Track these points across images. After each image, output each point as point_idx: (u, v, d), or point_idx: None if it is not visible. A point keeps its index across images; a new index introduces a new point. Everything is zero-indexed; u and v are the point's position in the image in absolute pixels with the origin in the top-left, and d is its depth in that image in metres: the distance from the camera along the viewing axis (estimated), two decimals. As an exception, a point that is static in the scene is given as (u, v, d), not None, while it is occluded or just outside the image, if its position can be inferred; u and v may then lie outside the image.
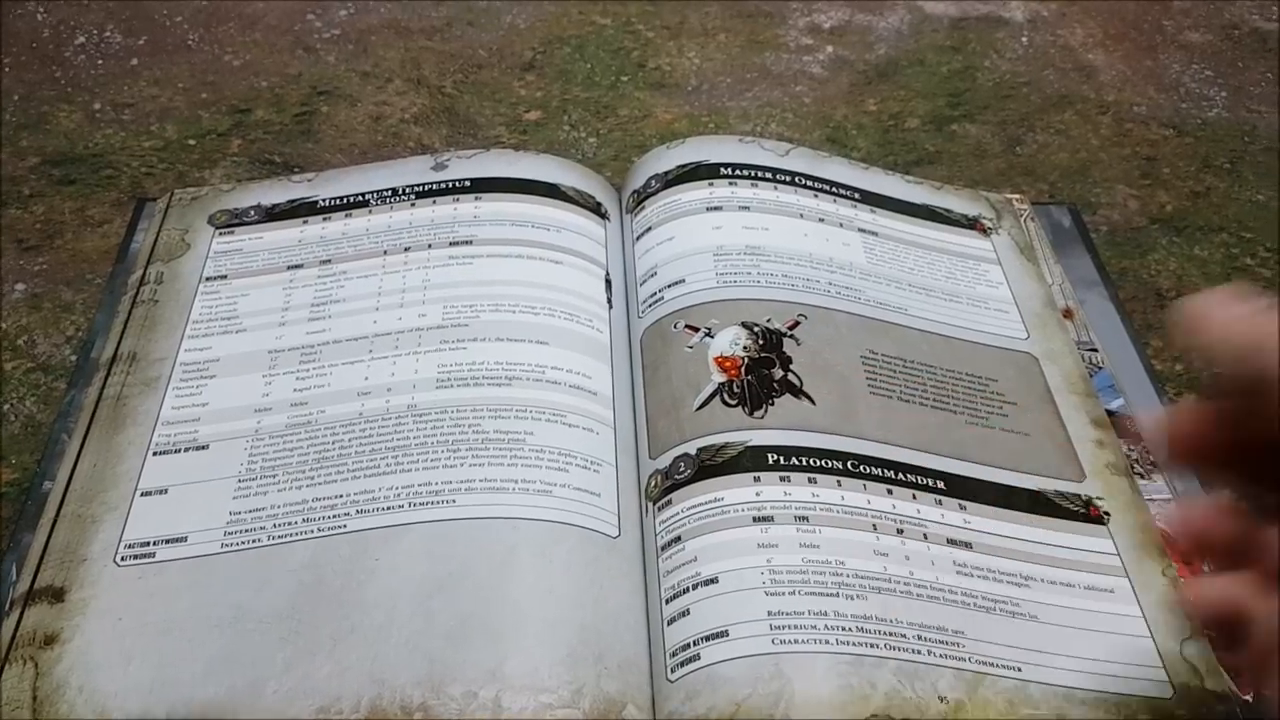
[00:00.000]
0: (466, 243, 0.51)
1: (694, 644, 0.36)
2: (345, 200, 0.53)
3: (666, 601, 0.38)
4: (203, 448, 0.43)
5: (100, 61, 0.66)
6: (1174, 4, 0.74)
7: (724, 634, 0.36)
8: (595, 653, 0.37)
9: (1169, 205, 0.59)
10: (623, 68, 0.67)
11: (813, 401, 0.43)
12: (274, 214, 0.53)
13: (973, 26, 0.71)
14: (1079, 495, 0.43)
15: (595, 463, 0.43)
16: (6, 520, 0.43)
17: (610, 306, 0.49)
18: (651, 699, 0.36)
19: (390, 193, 0.53)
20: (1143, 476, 0.45)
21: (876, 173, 0.56)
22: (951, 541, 0.40)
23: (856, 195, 0.54)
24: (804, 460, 0.41)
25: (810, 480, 0.40)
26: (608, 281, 0.50)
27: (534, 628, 0.37)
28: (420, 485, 0.41)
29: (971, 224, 0.55)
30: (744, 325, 0.46)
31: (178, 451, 0.43)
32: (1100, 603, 0.40)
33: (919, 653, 0.36)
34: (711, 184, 0.53)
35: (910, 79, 0.67)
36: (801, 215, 0.52)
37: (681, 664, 0.36)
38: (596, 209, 0.54)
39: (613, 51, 0.68)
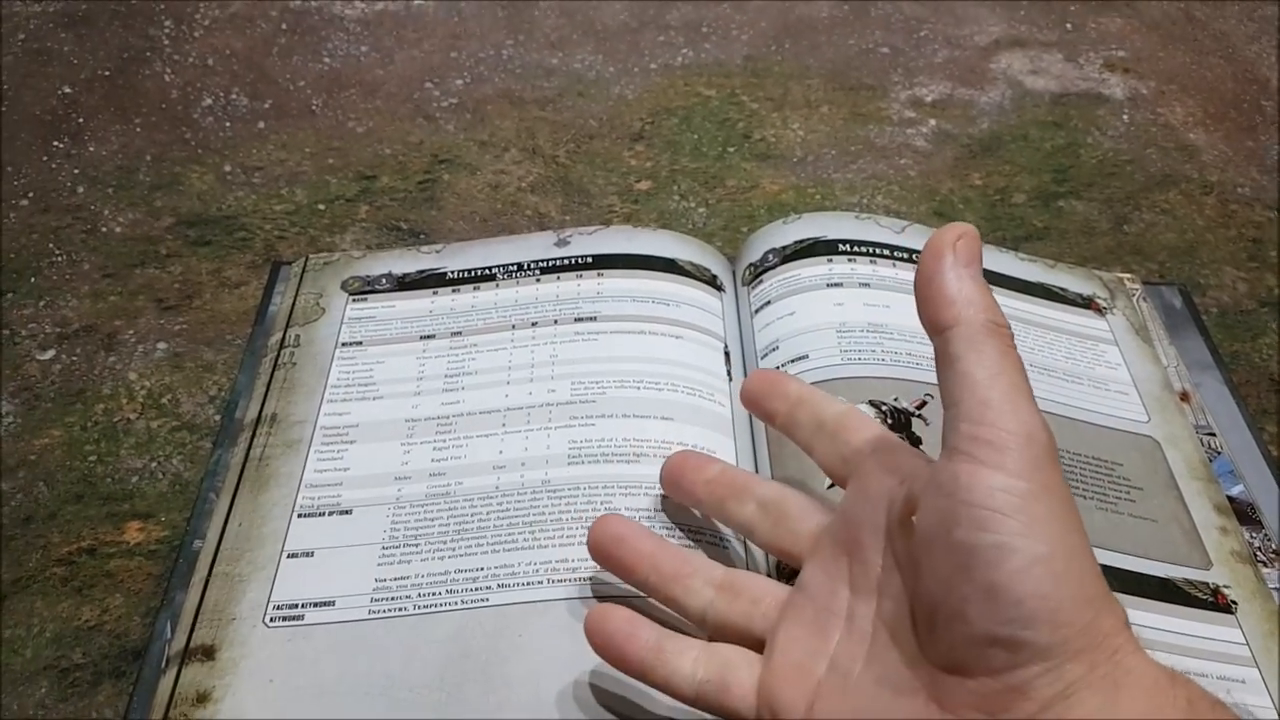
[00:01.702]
0: (591, 319, 0.52)
1: (840, 730, 0.37)
2: (473, 273, 0.55)
3: (807, 684, 0.39)
4: (346, 512, 0.45)
5: (228, 124, 0.69)
6: (1272, 84, 0.74)
7: None
8: (737, 733, 0.38)
9: (1277, 289, 0.59)
10: (729, 139, 0.68)
11: (944, 486, 0.44)
12: (405, 283, 0.55)
13: (1074, 103, 0.72)
14: (1206, 583, 0.43)
15: (724, 539, 0.44)
16: (159, 578, 0.44)
17: (730, 379, 0.51)
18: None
19: (516, 267, 0.55)
20: (1265, 564, 0.45)
21: (990, 250, 0.57)
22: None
23: (971, 274, 0.55)
24: (937, 545, 0.41)
25: (945, 566, 0.41)
26: (726, 354, 0.52)
27: (675, 704, 0.38)
28: (558, 561, 0.42)
29: (1087, 303, 0.55)
30: (871, 403, 0.47)
31: (322, 515, 0.45)
32: (1233, 693, 0.40)
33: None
34: (830, 260, 0.54)
35: (1014, 154, 0.68)
36: (919, 294, 0.53)
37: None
38: (712, 281, 0.55)
39: (719, 123, 0.70)
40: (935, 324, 0.32)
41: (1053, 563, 0.28)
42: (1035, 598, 0.28)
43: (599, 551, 0.39)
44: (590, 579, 0.41)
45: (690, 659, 0.35)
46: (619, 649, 0.36)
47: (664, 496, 0.44)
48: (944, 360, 0.32)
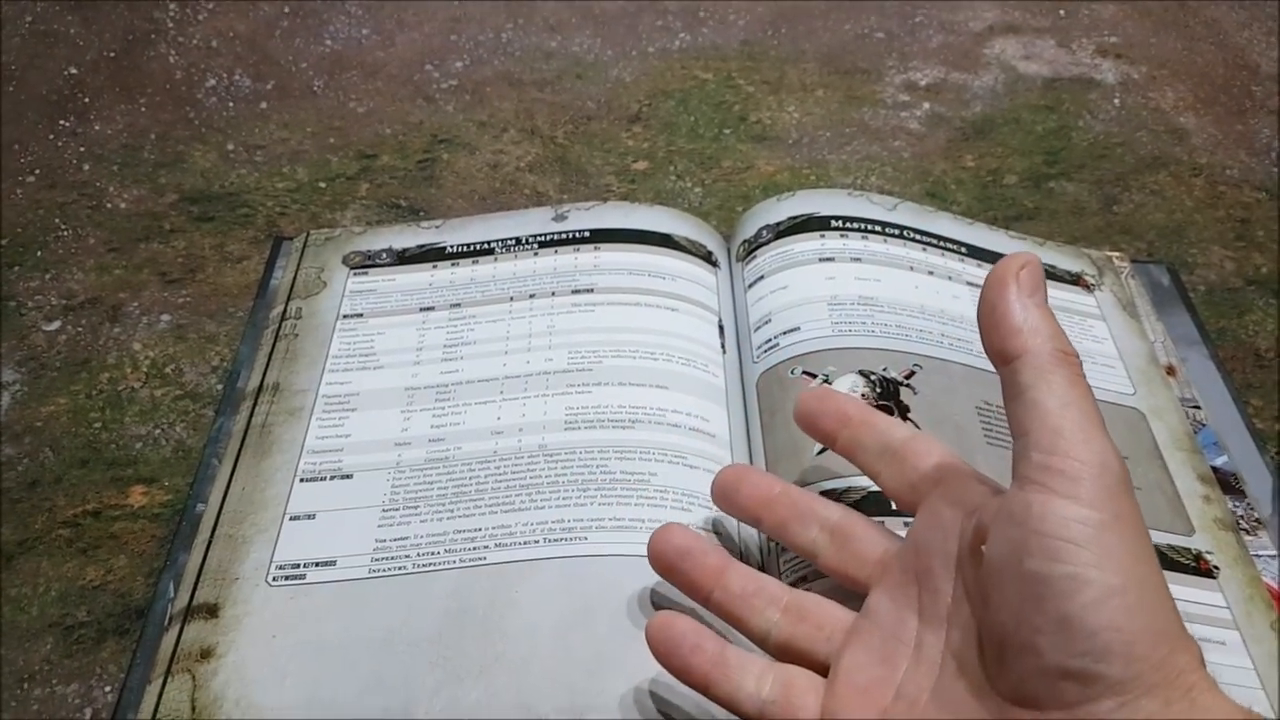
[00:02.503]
0: (588, 290, 0.53)
1: (827, 682, 0.38)
2: (472, 247, 0.56)
3: (796, 640, 0.39)
4: (347, 477, 0.46)
5: (231, 104, 0.69)
6: (1262, 70, 0.75)
7: (858, 673, 0.37)
8: (727, 687, 0.39)
9: (1264, 267, 0.60)
10: (725, 121, 0.69)
11: (931, 451, 0.45)
12: (405, 257, 0.56)
13: (1066, 87, 0.73)
14: (1189, 549, 0.44)
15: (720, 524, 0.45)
16: (162, 540, 0.45)
17: (724, 351, 0.51)
18: None
19: (514, 241, 0.56)
20: (1248, 533, 0.46)
21: (981, 228, 0.58)
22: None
23: (963, 250, 0.56)
24: (925, 508, 0.42)
25: (931, 528, 0.42)
26: (720, 327, 0.53)
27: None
28: (554, 522, 0.43)
29: (1075, 280, 0.56)
30: (861, 373, 0.48)
31: (323, 479, 0.46)
32: (1214, 655, 0.41)
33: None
34: (823, 235, 0.55)
35: (1006, 136, 0.69)
36: (911, 268, 0.54)
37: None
38: (707, 257, 0.56)
39: (715, 105, 0.71)
40: (1002, 354, 0.32)
41: (1127, 595, 0.28)
42: (1109, 630, 0.27)
43: (662, 562, 0.38)
44: (586, 539, 0.42)
45: (754, 676, 0.35)
46: (684, 659, 0.35)
47: (659, 461, 0.45)
48: (1012, 390, 0.31)
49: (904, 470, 0.37)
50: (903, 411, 0.46)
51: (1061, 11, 0.81)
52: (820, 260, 0.54)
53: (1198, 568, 0.44)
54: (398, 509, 0.44)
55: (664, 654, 0.36)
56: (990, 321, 0.32)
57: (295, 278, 0.55)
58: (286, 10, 0.78)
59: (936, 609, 0.33)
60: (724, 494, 0.40)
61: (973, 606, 0.32)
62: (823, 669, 0.35)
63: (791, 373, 0.49)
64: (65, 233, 0.60)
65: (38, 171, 0.64)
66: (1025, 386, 0.31)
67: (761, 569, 0.41)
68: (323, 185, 0.63)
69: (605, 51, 0.75)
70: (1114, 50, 0.77)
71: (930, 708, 0.32)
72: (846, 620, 0.36)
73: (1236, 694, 0.41)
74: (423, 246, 0.56)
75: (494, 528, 0.43)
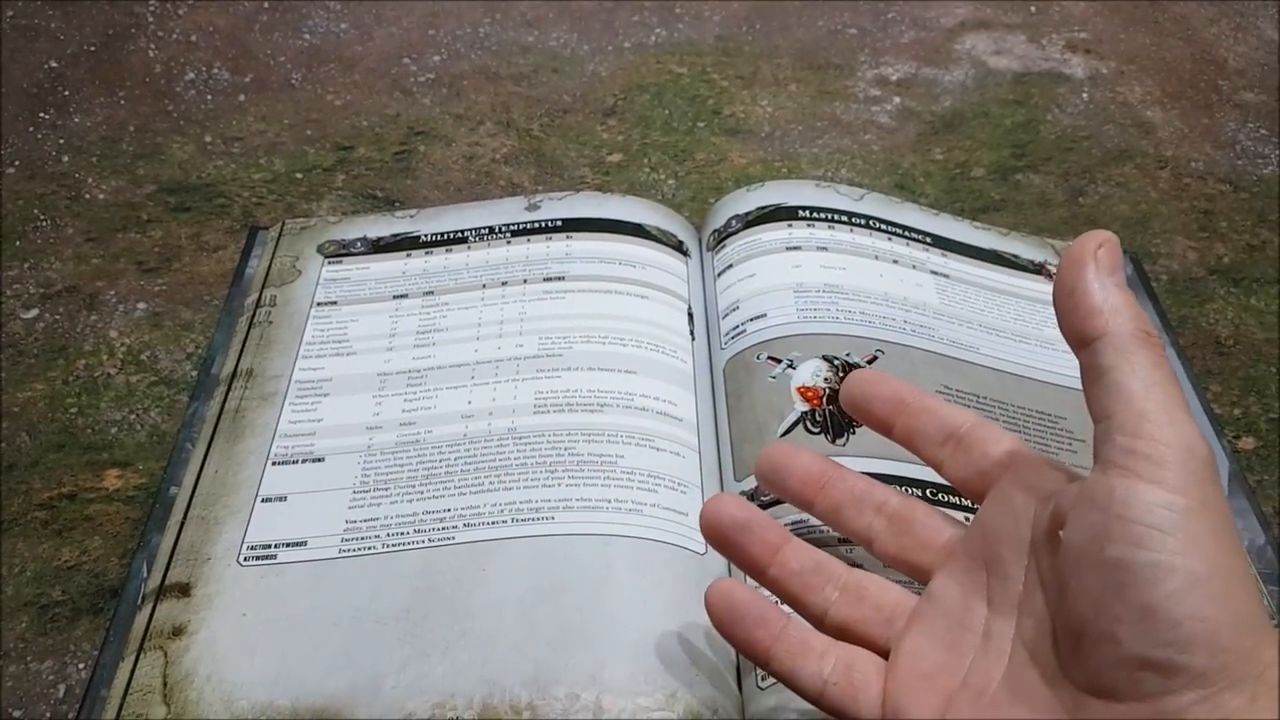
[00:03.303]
0: (559, 278, 0.54)
1: (784, 655, 0.38)
2: (446, 236, 0.57)
3: (756, 615, 0.40)
4: (319, 460, 0.47)
5: (209, 97, 0.70)
6: (1229, 65, 0.77)
7: (814, 646, 0.38)
8: (687, 660, 0.39)
9: (1226, 257, 0.61)
10: (699, 114, 0.70)
11: (892, 433, 0.46)
12: (379, 246, 0.56)
13: (1035, 81, 0.74)
14: (1144, 530, 0.45)
15: (682, 484, 0.46)
16: (136, 522, 0.46)
17: (693, 338, 0.52)
18: (741, 704, 0.39)
19: (488, 230, 0.57)
20: (1204, 516, 0.47)
21: (946, 218, 0.59)
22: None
23: (928, 239, 0.57)
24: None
25: (890, 507, 0.43)
26: (690, 315, 0.53)
27: (629, 636, 0.40)
28: (521, 503, 0.44)
29: (1038, 269, 0.57)
30: (824, 358, 0.49)
31: (295, 462, 0.46)
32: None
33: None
34: (790, 225, 0.56)
35: (975, 130, 0.70)
36: (876, 257, 0.55)
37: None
38: (678, 247, 0.57)
39: (689, 99, 0.71)
40: (1081, 335, 0.30)
41: (1212, 584, 0.26)
42: (1194, 620, 0.26)
43: (717, 535, 0.37)
44: (553, 518, 0.43)
45: (817, 655, 0.34)
46: (747, 632, 0.35)
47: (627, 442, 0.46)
48: (1092, 373, 0.30)
49: (971, 457, 0.35)
50: (864, 395, 0.47)
51: (1032, 8, 0.82)
52: (787, 249, 0.54)
53: (1152, 547, 0.45)
54: (368, 491, 0.45)
55: (725, 623, 0.35)
56: (1069, 303, 0.31)
57: (270, 266, 0.55)
58: (265, 5, 0.79)
59: (1007, 596, 0.32)
60: (772, 473, 0.39)
61: (1047, 594, 0.31)
62: (882, 652, 0.35)
63: (757, 358, 0.50)
64: (44, 223, 0.60)
65: (17, 163, 0.64)
66: (1107, 368, 0.29)
67: None
68: (299, 176, 0.64)
69: (581, 46, 0.76)
70: (1083, 45, 0.78)
71: (1000, 696, 0.31)
72: (908, 604, 0.35)
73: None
74: (397, 235, 0.57)
75: (463, 508, 0.44)
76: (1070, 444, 0.48)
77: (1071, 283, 0.31)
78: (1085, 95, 0.73)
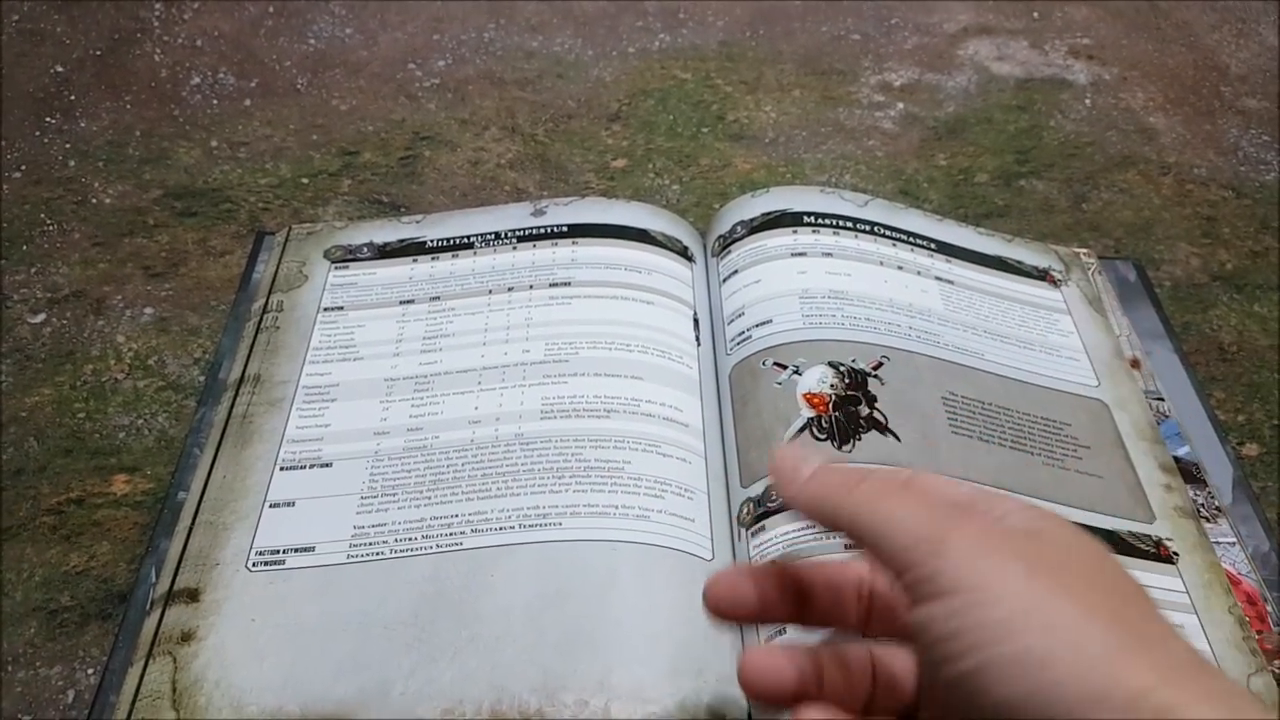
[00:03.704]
0: (565, 284, 0.54)
1: (792, 661, 0.39)
2: (452, 241, 0.57)
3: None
4: (326, 465, 0.47)
5: (215, 101, 0.70)
6: (1231, 71, 0.77)
7: (821, 652, 0.38)
8: (695, 667, 0.40)
9: (1229, 263, 0.61)
10: (703, 120, 0.70)
11: (898, 438, 0.46)
12: (385, 252, 0.57)
13: (1038, 87, 0.74)
14: (1150, 536, 0.45)
15: (689, 490, 0.46)
16: (144, 527, 0.46)
17: (699, 344, 0.53)
18: (749, 710, 0.39)
19: (493, 236, 0.57)
20: (1208, 520, 0.47)
21: (950, 224, 0.59)
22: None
23: (932, 245, 0.57)
24: (890, 494, 0.43)
25: (896, 513, 0.43)
26: (695, 320, 0.54)
27: (637, 643, 0.40)
28: (529, 508, 0.44)
29: (1042, 275, 0.57)
30: (830, 365, 0.49)
31: (303, 468, 0.47)
32: (1170, 639, 0.42)
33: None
34: (795, 231, 0.56)
35: (978, 136, 0.70)
36: (881, 263, 0.55)
37: (779, 680, 0.38)
38: (683, 252, 0.57)
39: (693, 104, 0.72)
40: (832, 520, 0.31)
41: (1031, 656, 0.25)
42: (1032, 698, 0.25)
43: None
44: (560, 524, 0.43)
45: None
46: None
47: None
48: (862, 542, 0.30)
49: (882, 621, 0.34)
50: (870, 401, 0.47)
51: (1035, 13, 0.82)
52: (792, 255, 0.55)
53: (1157, 553, 0.45)
54: (376, 496, 0.45)
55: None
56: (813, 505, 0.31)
57: (277, 271, 0.56)
58: (271, 9, 0.79)
59: None
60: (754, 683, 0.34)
61: None
62: None
63: (763, 364, 0.50)
64: (51, 227, 0.60)
65: (24, 167, 0.64)
66: (859, 536, 0.30)
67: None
68: (305, 181, 0.64)
69: (586, 51, 0.76)
70: (1086, 51, 0.78)
71: None
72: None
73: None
74: (403, 241, 0.57)
75: (470, 514, 0.44)
76: (1075, 450, 0.48)
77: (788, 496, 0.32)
78: (1088, 101, 0.73)
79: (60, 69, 0.73)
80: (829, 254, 0.55)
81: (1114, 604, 0.26)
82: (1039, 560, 0.27)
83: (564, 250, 0.56)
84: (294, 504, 0.45)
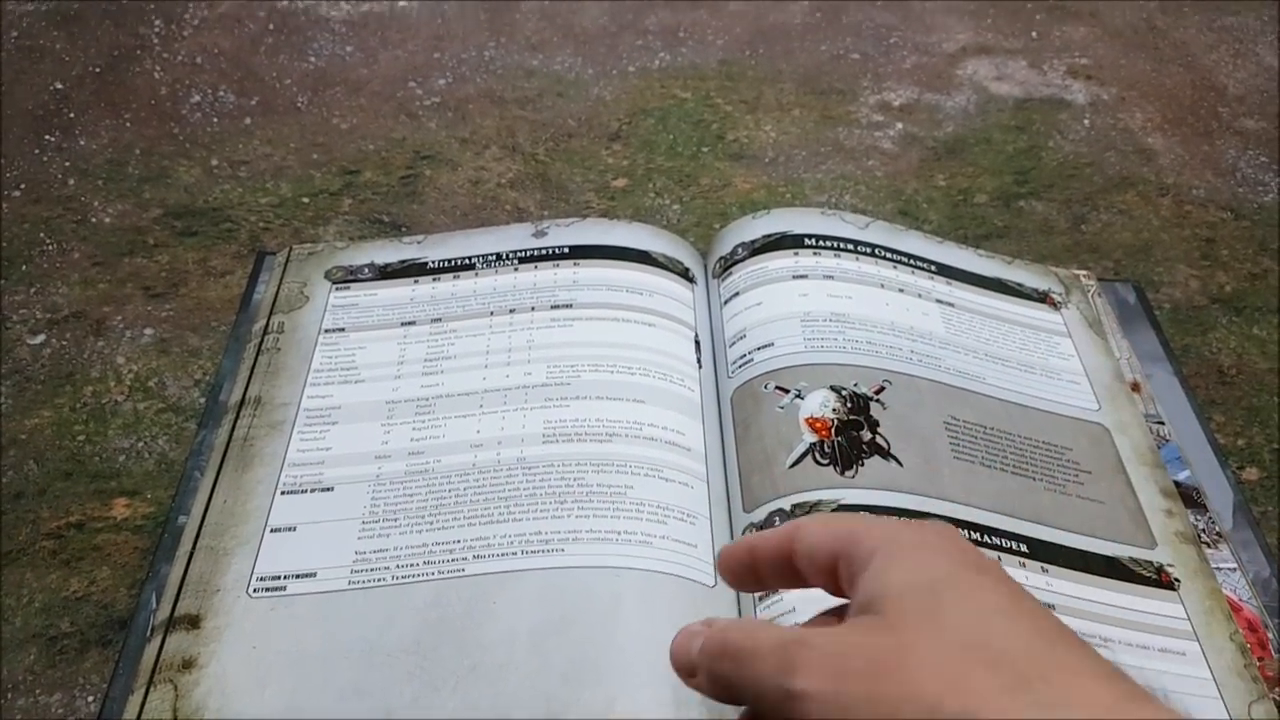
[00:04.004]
0: (567, 306, 0.54)
1: (796, 690, 0.39)
2: (453, 263, 0.57)
3: (766, 650, 0.40)
4: (328, 489, 0.47)
5: (215, 120, 0.70)
6: (1229, 91, 0.77)
7: (825, 682, 0.38)
8: (699, 696, 0.39)
9: (1228, 286, 0.62)
10: (703, 139, 0.71)
11: (900, 464, 0.46)
12: (386, 273, 0.57)
13: (1036, 108, 0.75)
14: (1151, 562, 0.45)
15: (691, 515, 0.46)
16: (145, 551, 0.46)
17: (700, 366, 0.53)
18: (753, 741, 0.39)
19: (495, 257, 0.57)
20: (1209, 545, 0.47)
21: (950, 246, 0.59)
22: (1033, 602, 0.42)
23: (933, 268, 0.57)
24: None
25: (899, 540, 0.43)
26: (697, 342, 0.54)
27: (640, 671, 0.40)
28: (531, 534, 0.44)
29: (1042, 298, 0.57)
30: (832, 389, 0.49)
31: (304, 492, 0.46)
32: (1173, 665, 0.42)
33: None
34: (797, 253, 0.56)
35: (977, 156, 0.70)
36: (882, 285, 0.55)
37: (782, 709, 0.38)
38: (685, 274, 0.57)
39: (694, 124, 0.72)
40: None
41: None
42: None
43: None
44: (563, 550, 0.43)
45: None
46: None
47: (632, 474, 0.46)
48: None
49: None
50: (872, 426, 0.47)
51: (1034, 33, 0.82)
52: (794, 278, 0.55)
53: (1159, 580, 0.45)
54: (377, 521, 0.45)
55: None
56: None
57: (278, 292, 0.56)
58: (271, 27, 0.79)
59: None
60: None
61: None
62: None
63: (765, 387, 0.50)
64: (50, 247, 0.60)
65: (23, 186, 0.64)
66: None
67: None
68: (306, 200, 0.64)
69: (586, 70, 0.76)
70: (1084, 71, 0.79)
71: None
72: None
73: (1195, 703, 0.43)
74: (404, 262, 0.57)
75: (473, 539, 0.44)
76: (1077, 475, 0.48)
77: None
78: (1086, 121, 0.74)
79: (60, 86, 0.72)
80: (830, 276, 0.55)
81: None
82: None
83: (565, 272, 0.56)
84: (295, 529, 0.45)
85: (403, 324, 0.54)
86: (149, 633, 0.42)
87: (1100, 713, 0.23)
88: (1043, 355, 0.54)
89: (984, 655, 0.24)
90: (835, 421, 0.47)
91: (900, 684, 0.24)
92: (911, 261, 0.57)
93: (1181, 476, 0.50)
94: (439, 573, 0.43)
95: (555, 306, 0.54)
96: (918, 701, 0.23)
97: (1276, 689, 0.42)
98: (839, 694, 0.25)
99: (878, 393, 0.49)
